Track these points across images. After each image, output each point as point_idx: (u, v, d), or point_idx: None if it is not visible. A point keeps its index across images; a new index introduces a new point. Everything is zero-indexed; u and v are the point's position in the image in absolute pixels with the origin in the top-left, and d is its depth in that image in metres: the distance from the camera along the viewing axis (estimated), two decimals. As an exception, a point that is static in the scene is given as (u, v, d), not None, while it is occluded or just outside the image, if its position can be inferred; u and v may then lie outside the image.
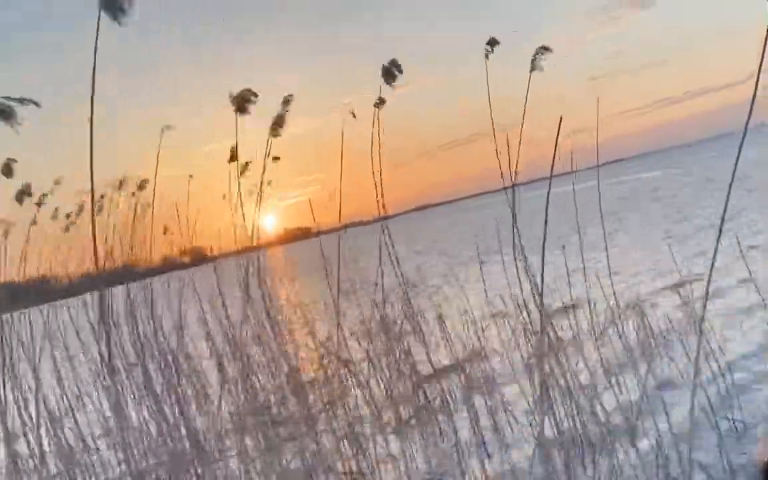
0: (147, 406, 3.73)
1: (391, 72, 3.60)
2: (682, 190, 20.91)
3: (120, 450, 3.67)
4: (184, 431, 3.40)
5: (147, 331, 4.24)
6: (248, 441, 3.18)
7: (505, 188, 3.13)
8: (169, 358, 3.96)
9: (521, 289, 3.42)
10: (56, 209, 4.58)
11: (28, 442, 3.57)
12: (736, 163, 1.88)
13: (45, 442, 3.56)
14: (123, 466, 3.92)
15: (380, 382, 4.09)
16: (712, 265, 2.02)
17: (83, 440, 4.51)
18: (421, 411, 3.86)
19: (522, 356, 4.43)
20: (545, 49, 2.93)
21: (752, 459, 2.70)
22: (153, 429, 3.53)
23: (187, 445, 3.25)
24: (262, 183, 3.46)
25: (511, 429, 3.72)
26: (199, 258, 5.51)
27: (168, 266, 5.34)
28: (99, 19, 1.94)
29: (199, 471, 3.07)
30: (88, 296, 5.16)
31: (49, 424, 3.72)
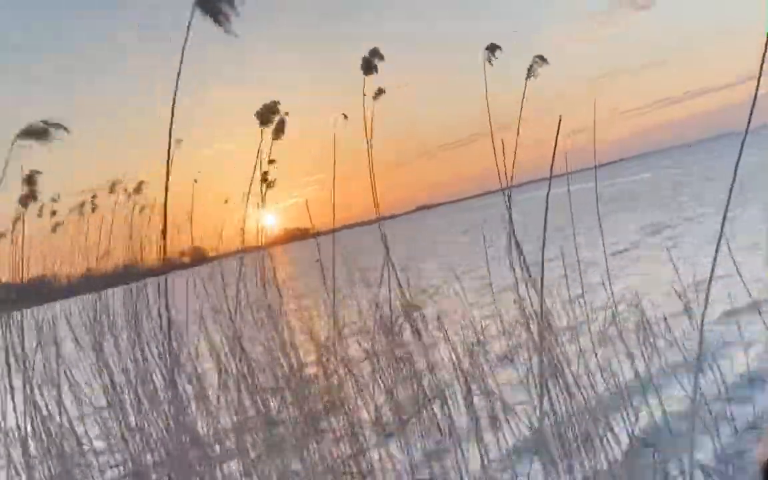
0: (146, 407, 3.73)
1: (371, 63, 3.48)
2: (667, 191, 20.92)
3: (119, 451, 3.67)
4: (183, 431, 3.40)
5: (146, 331, 4.24)
6: (248, 441, 3.18)
7: (503, 189, 3.14)
8: (169, 358, 3.96)
9: (526, 289, 3.42)
10: (41, 207, 4.53)
11: (27, 443, 3.56)
12: (736, 166, 1.88)
13: (43, 442, 3.56)
14: (123, 467, 3.92)
15: (380, 381, 4.09)
16: (713, 265, 2.02)
17: (82, 442, 4.50)
18: (421, 411, 3.86)
19: (522, 356, 4.44)
20: (541, 59, 2.95)
21: (752, 459, 2.71)
22: (153, 429, 3.52)
23: (188, 445, 3.25)
24: (263, 184, 3.48)
25: (511, 429, 3.73)
26: (199, 258, 5.52)
27: (168, 266, 5.34)
28: (190, 21, 2.02)
29: (200, 471, 3.07)
30: (88, 296, 5.16)
31: (47, 424, 3.71)
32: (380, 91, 3.54)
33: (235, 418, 3.39)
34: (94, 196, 4.58)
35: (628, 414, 3.09)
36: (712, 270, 2.01)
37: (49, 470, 3.40)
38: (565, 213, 3.72)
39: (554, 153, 2.42)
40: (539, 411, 2.68)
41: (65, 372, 5.39)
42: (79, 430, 4.46)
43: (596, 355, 3.61)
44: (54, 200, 4.31)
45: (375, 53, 3.46)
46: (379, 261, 4.01)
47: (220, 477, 3.16)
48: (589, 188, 4.37)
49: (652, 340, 4.56)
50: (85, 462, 3.94)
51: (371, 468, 3.44)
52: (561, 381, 2.99)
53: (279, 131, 3.33)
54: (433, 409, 3.93)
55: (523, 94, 2.94)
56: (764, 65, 1.78)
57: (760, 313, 4.13)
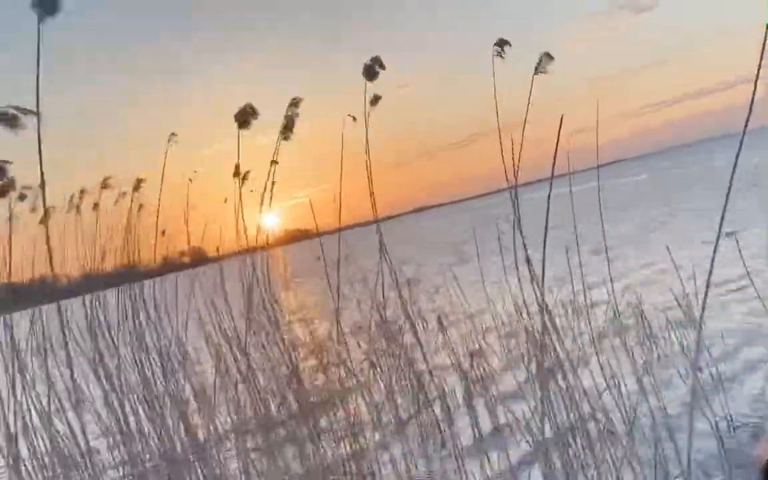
0: (146, 407, 3.73)
1: (372, 69, 3.55)
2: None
3: (119, 451, 3.67)
4: (183, 432, 3.40)
5: (146, 331, 4.24)
6: (248, 442, 3.18)
7: (509, 188, 3.13)
8: (168, 358, 3.96)
9: (533, 287, 3.41)
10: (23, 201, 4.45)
11: (26, 444, 3.57)
12: (734, 166, 1.88)
13: (43, 443, 3.57)
14: (122, 469, 3.92)
15: (380, 382, 4.09)
16: (712, 264, 2.02)
17: (80, 442, 4.50)
18: (421, 411, 3.87)
19: (522, 356, 4.44)
20: (549, 56, 2.94)
21: (752, 459, 2.71)
22: (152, 430, 3.53)
23: (188, 445, 3.25)
24: (267, 187, 3.49)
25: (511, 429, 3.73)
26: (199, 259, 5.51)
27: (168, 267, 5.34)
28: (39, 21, 2.00)
29: (199, 472, 3.08)
30: (88, 297, 5.16)
31: (46, 425, 3.71)
32: (377, 98, 3.60)
33: (235, 419, 3.40)
34: (81, 191, 4.53)
35: (628, 413, 3.10)
36: (711, 269, 2.01)
37: (49, 471, 3.41)
38: (565, 213, 3.73)
39: (555, 153, 2.42)
40: (540, 411, 2.68)
41: (64, 373, 5.39)
42: (79, 430, 4.47)
43: (597, 354, 3.61)
44: (27, 187, 4.22)
45: (376, 61, 3.55)
46: (380, 261, 4.01)
47: (220, 477, 3.16)
48: (589, 189, 4.37)
49: (651, 338, 4.57)
50: (84, 463, 3.94)
51: (371, 469, 3.44)
52: (561, 380, 2.99)
53: (288, 130, 3.38)
54: (433, 409, 3.94)
55: (530, 90, 2.92)
56: (762, 66, 1.78)
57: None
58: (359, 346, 4.44)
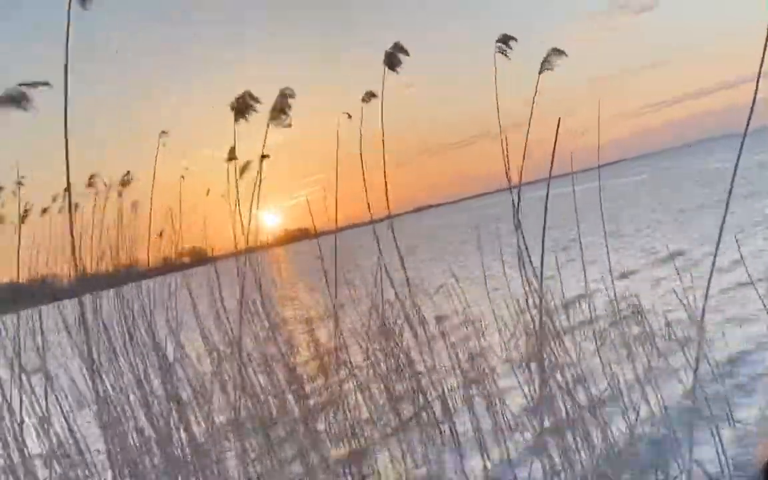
0: (146, 407, 3.73)
1: (395, 57, 3.34)
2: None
3: (118, 451, 3.67)
4: (182, 432, 3.40)
5: (146, 331, 4.24)
6: (247, 442, 3.18)
7: (510, 188, 3.13)
8: (168, 358, 3.96)
9: (529, 288, 3.41)
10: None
11: (26, 444, 3.56)
12: (736, 166, 1.88)
13: (41, 444, 3.56)
14: (122, 468, 3.91)
15: (380, 382, 4.09)
16: (713, 264, 2.02)
17: (79, 443, 4.50)
18: (421, 411, 3.86)
19: (522, 355, 4.44)
20: (558, 51, 2.88)
21: (752, 459, 2.71)
22: (152, 430, 3.52)
23: (186, 445, 3.25)
24: (259, 182, 3.44)
25: (511, 428, 3.73)
26: (199, 258, 5.51)
27: (167, 267, 5.34)
28: (69, 8, 1.97)
29: (198, 472, 3.07)
30: (87, 297, 5.15)
31: (44, 425, 3.71)
32: (371, 95, 3.49)
33: (234, 419, 3.39)
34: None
35: (628, 413, 3.09)
36: (712, 268, 2.01)
37: (49, 471, 3.40)
38: (564, 214, 3.73)
39: (553, 154, 2.42)
40: (540, 411, 2.68)
41: (63, 373, 5.39)
42: (78, 431, 4.46)
43: (598, 353, 3.61)
44: (20, 183, 4.17)
45: (398, 48, 3.36)
46: (380, 261, 4.01)
47: (219, 478, 3.15)
48: (589, 188, 4.37)
49: (651, 337, 4.57)
50: (83, 462, 3.94)
51: (371, 469, 3.44)
52: (561, 380, 2.99)
53: (280, 112, 3.22)
54: (433, 409, 3.93)
55: (536, 86, 2.89)
56: (763, 66, 1.78)
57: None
58: (359, 345, 4.43)
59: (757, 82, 1.76)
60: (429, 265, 15.34)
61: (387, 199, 3.67)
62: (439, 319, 4.86)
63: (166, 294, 4.98)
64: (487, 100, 3.19)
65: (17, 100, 2.01)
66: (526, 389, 3.75)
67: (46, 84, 2.04)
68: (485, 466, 3.37)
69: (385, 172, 3.57)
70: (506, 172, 3.04)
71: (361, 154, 3.63)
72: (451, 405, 4.08)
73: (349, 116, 3.56)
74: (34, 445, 3.38)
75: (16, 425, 3.19)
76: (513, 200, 3.00)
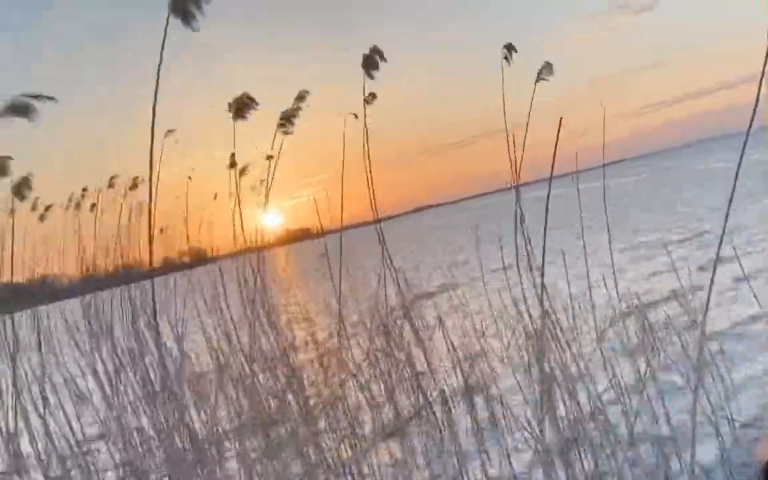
0: (145, 407, 3.73)
1: (372, 60, 3.30)
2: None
3: (118, 451, 3.67)
4: (183, 432, 3.40)
5: (145, 332, 4.24)
6: (247, 442, 3.17)
7: (511, 187, 3.13)
8: (168, 358, 3.96)
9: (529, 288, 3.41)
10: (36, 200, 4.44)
11: (26, 444, 3.57)
12: (738, 167, 1.88)
13: (42, 443, 3.56)
14: (122, 468, 3.92)
15: (380, 382, 4.09)
16: (714, 268, 2.02)
17: (80, 442, 4.50)
18: (421, 411, 3.86)
19: (522, 356, 4.44)
20: (550, 65, 2.93)
21: (752, 459, 2.71)
22: (152, 430, 3.52)
23: (187, 445, 3.25)
24: (266, 183, 3.45)
25: (511, 429, 3.73)
26: (200, 259, 5.51)
27: (168, 267, 5.34)
28: (168, 18, 1.99)
29: (199, 472, 3.07)
30: (88, 297, 5.16)
31: (46, 425, 3.71)
32: (372, 96, 3.48)
33: (234, 419, 3.39)
34: (84, 189, 4.52)
35: (628, 412, 3.09)
36: (714, 269, 2.01)
37: (48, 471, 3.41)
38: (564, 214, 3.73)
39: (554, 153, 2.42)
40: (540, 411, 2.68)
41: (63, 373, 5.39)
42: (78, 431, 4.47)
43: (601, 352, 3.61)
44: (38, 198, 4.21)
45: (375, 51, 3.32)
46: (380, 261, 4.01)
47: (219, 478, 3.15)
48: (588, 188, 4.37)
49: (652, 338, 4.57)
50: (84, 463, 3.94)
51: (371, 469, 3.43)
52: (562, 380, 2.99)
53: (288, 122, 3.23)
54: (433, 409, 3.93)
55: (532, 97, 2.92)
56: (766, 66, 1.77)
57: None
58: (359, 345, 4.43)
59: (760, 81, 1.76)
60: (429, 265, 15.35)
61: (374, 203, 3.67)
62: (439, 319, 4.85)
63: (167, 294, 4.98)
64: (486, 100, 3.20)
65: (23, 111, 2.04)
66: (526, 388, 3.75)
67: (51, 99, 2.08)
68: (485, 466, 3.37)
69: (369, 177, 3.59)
70: (513, 172, 3.04)
71: (365, 154, 3.64)
72: (451, 404, 4.08)
73: (356, 116, 3.58)
74: (34, 445, 3.38)
75: (16, 426, 3.19)
76: (513, 200, 3.00)
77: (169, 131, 3.66)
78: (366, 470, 3.36)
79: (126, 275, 4.63)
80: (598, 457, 2.77)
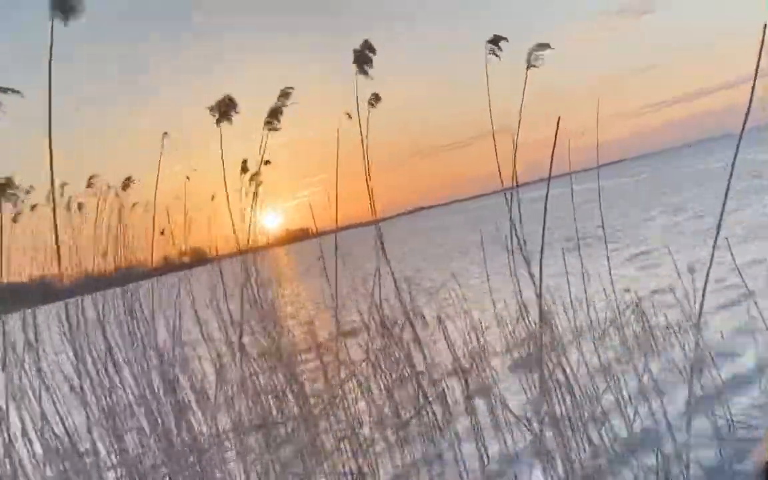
0: (145, 407, 3.73)
1: (364, 56, 3.19)
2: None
3: (118, 451, 3.67)
4: (183, 432, 3.40)
5: (145, 332, 4.24)
6: (248, 442, 3.18)
7: (505, 190, 3.13)
8: (168, 358, 3.96)
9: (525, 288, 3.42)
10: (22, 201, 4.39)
11: (24, 444, 3.56)
12: (732, 166, 1.88)
13: (40, 444, 3.56)
14: (122, 469, 3.92)
15: (380, 382, 4.09)
16: (710, 266, 2.02)
17: (78, 443, 4.50)
18: (421, 411, 3.86)
19: (522, 356, 4.44)
20: (543, 45, 2.85)
21: (752, 459, 2.71)
22: (151, 430, 3.52)
23: (188, 445, 3.25)
24: (257, 184, 3.47)
25: (511, 429, 3.73)
26: (199, 259, 5.51)
27: (168, 267, 5.34)
28: (52, 19, 1.97)
29: (199, 472, 3.08)
30: (88, 297, 5.15)
31: (44, 425, 3.71)
32: (377, 98, 3.43)
33: (234, 419, 3.39)
34: (64, 184, 4.47)
35: (628, 413, 3.10)
36: (709, 267, 2.01)
37: (47, 472, 3.41)
38: (562, 215, 3.73)
39: (553, 154, 2.42)
40: (540, 411, 2.68)
41: (63, 372, 5.39)
42: (77, 431, 4.47)
43: (598, 353, 3.61)
44: (28, 192, 4.17)
45: (366, 46, 3.21)
46: (380, 261, 4.01)
47: (219, 478, 3.16)
48: (587, 189, 4.37)
49: (650, 335, 4.57)
50: (82, 463, 3.94)
51: (371, 469, 3.44)
52: (561, 380, 2.99)
53: (273, 118, 3.20)
54: (433, 409, 3.94)
55: (524, 84, 2.89)
56: (761, 66, 1.78)
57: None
58: (359, 345, 4.43)
59: (754, 82, 1.76)
60: (429, 265, 15.36)
61: (373, 205, 3.68)
62: (439, 318, 4.85)
63: (166, 294, 4.98)
64: (485, 100, 3.19)
65: None
66: (525, 388, 3.76)
67: (17, 92, 2.08)
68: (485, 466, 3.38)
69: (368, 177, 3.59)
70: (513, 172, 3.03)
71: (365, 155, 3.64)
72: (451, 404, 4.08)
73: (350, 116, 3.55)
74: (31, 446, 3.38)
75: (14, 426, 3.19)
76: (508, 201, 3.00)
77: (165, 133, 3.68)
78: (366, 470, 3.37)
79: (125, 275, 4.63)
80: (596, 454, 2.78)
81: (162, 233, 4.83)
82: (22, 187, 3.97)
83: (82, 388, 2.96)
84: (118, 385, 4.12)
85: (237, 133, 3.28)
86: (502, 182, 3.05)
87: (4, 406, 3.17)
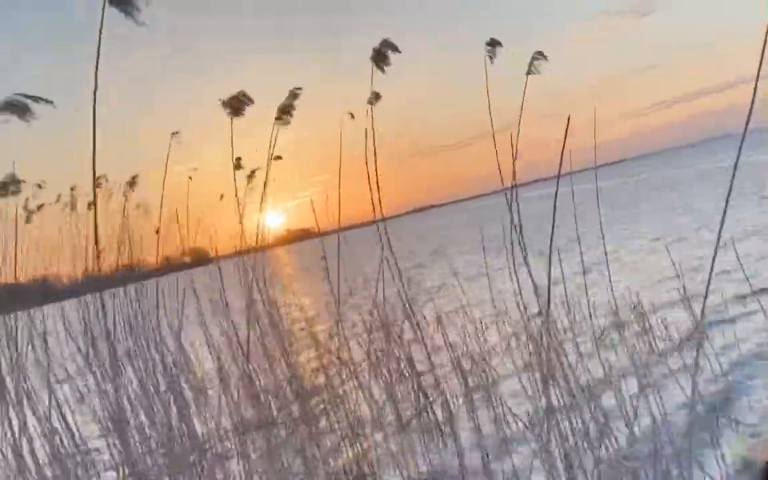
0: (146, 407, 3.73)
1: (383, 54, 3.16)
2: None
3: (119, 452, 3.68)
4: (183, 432, 3.40)
5: (146, 332, 4.24)
6: (249, 442, 3.18)
7: (504, 190, 3.13)
8: (169, 358, 3.96)
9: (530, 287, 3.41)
10: (27, 199, 4.41)
11: (26, 444, 3.57)
12: (735, 166, 1.88)
13: (43, 444, 3.56)
14: (122, 468, 3.92)
15: (380, 382, 4.09)
16: (712, 266, 2.02)
17: (80, 443, 4.50)
18: (422, 412, 3.86)
19: (523, 357, 4.43)
20: (541, 54, 2.89)
21: (752, 459, 2.71)
22: (153, 430, 3.52)
23: (188, 445, 3.26)
24: (265, 183, 3.47)
25: (512, 429, 3.73)
26: (201, 259, 5.51)
27: (169, 267, 5.34)
28: (103, 13, 1.96)
29: (200, 472, 3.08)
30: (88, 297, 5.15)
31: (46, 425, 3.71)
32: (377, 96, 3.42)
33: (235, 419, 3.39)
34: (73, 188, 4.50)
35: (628, 413, 3.10)
36: (712, 267, 2.01)
37: (49, 472, 3.41)
38: (560, 216, 3.72)
39: (563, 152, 2.42)
40: (540, 411, 2.68)
41: (63, 373, 5.39)
42: (78, 431, 4.47)
43: (598, 353, 3.61)
44: (40, 186, 4.18)
45: (387, 44, 3.16)
46: (380, 261, 4.01)
47: (220, 478, 3.16)
48: (586, 189, 4.37)
49: (651, 337, 4.58)
50: (83, 462, 3.94)
51: (372, 469, 3.44)
52: (561, 380, 2.99)
53: (285, 114, 3.18)
54: (433, 409, 3.94)
55: (524, 90, 2.90)
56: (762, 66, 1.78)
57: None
58: (360, 345, 4.43)
59: (756, 82, 1.76)
60: (429, 265, 15.35)
61: (378, 202, 3.67)
62: (439, 318, 4.86)
63: (168, 293, 4.98)
64: (485, 101, 3.19)
65: (20, 110, 2.03)
66: (526, 388, 3.75)
67: (49, 102, 2.07)
68: (486, 466, 3.37)
69: (377, 175, 3.58)
70: (513, 171, 3.03)
71: (365, 155, 3.64)
72: (451, 404, 4.08)
73: (352, 116, 3.55)
74: (35, 445, 3.38)
75: (17, 426, 3.20)
76: (508, 200, 3.00)
77: (174, 133, 3.68)
78: (366, 470, 3.37)
79: (127, 275, 4.63)
80: (598, 457, 2.78)
81: (157, 231, 4.83)
82: (29, 183, 3.98)
83: (86, 387, 2.96)
84: (122, 383, 4.12)
85: (237, 133, 3.28)
86: (502, 182, 3.04)
87: (10, 405, 3.17)
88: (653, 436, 2.66)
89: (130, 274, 4.62)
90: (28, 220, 4.41)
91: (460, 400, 4.19)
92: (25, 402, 3.72)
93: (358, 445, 3.43)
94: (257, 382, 3.74)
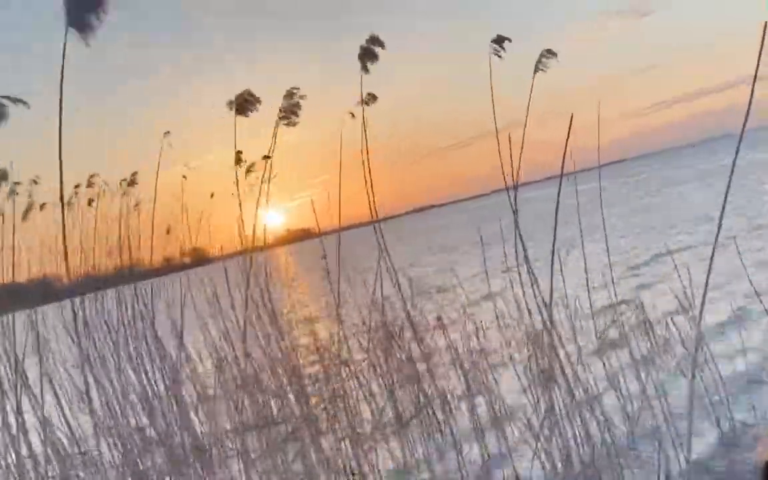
0: (146, 407, 3.73)
1: (370, 52, 3.13)
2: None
3: (119, 452, 3.68)
4: (184, 431, 3.40)
5: (146, 332, 4.24)
6: (249, 441, 3.18)
7: (507, 189, 3.12)
8: (170, 358, 3.96)
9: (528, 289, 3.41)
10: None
11: (27, 445, 3.57)
12: (732, 166, 1.89)
13: (43, 444, 3.56)
14: (123, 468, 3.92)
15: (381, 382, 4.09)
16: (710, 266, 2.03)
17: (79, 443, 4.51)
18: (422, 411, 3.86)
19: (523, 357, 4.44)
20: (550, 52, 2.86)
21: (752, 459, 2.71)
22: (153, 430, 3.52)
23: (189, 445, 3.25)
24: (262, 180, 3.44)
25: (512, 429, 3.73)
26: (201, 259, 5.51)
27: (169, 267, 5.34)
28: (66, 34, 1.95)
29: (200, 472, 3.08)
30: (88, 297, 5.16)
31: (46, 425, 3.71)
32: (373, 97, 3.40)
33: (236, 418, 3.40)
34: (77, 186, 4.49)
35: (627, 410, 3.10)
36: (710, 267, 2.01)
37: (50, 471, 3.41)
38: (560, 216, 3.72)
39: (565, 151, 2.42)
40: (540, 410, 2.68)
41: (64, 373, 5.39)
42: (79, 431, 4.47)
43: (598, 352, 3.61)
44: (35, 182, 4.17)
45: (373, 40, 3.14)
46: (381, 261, 4.01)
47: (220, 477, 3.16)
48: (586, 189, 4.37)
49: (652, 335, 4.57)
50: (84, 462, 3.94)
51: (372, 469, 3.44)
52: (561, 379, 2.99)
53: (292, 114, 3.15)
54: (433, 409, 3.94)
55: (531, 87, 2.88)
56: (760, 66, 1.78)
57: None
58: (360, 345, 4.44)
59: (754, 82, 1.77)
60: (429, 265, 15.35)
61: (372, 204, 3.66)
62: (439, 318, 4.86)
63: (167, 294, 4.98)
64: (485, 101, 3.18)
65: None
66: (527, 388, 3.75)
67: (24, 103, 2.07)
68: (486, 465, 3.37)
69: (370, 176, 3.58)
70: (513, 171, 3.02)
71: (362, 156, 3.63)
72: (451, 404, 4.08)
73: (353, 116, 3.55)
74: (34, 445, 3.38)
75: (16, 426, 3.19)
76: (512, 202, 3.00)
77: (166, 133, 3.67)
78: (366, 469, 3.37)
79: (126, 275, 4.63)
80: (597, 453, 2.78)
81: (168, 232, 4.84)
82: (22, 179, 3.97)
83: (87, 386, 2.96)
84: (123, 384, 4.13)
85: (238, 133, 3.27)
86: (504, 181, 3.04)
87: (11, 405, 3.17)
88: (653, 431, 2.66)
89: (130, 274, 4.62)
90: (24, 218, 4.40)
91: (461, 402, 4.19)
92: (24, 402, 3.72)
93: (358, 444, 3.43)
94: (257, 383, 3.74)
